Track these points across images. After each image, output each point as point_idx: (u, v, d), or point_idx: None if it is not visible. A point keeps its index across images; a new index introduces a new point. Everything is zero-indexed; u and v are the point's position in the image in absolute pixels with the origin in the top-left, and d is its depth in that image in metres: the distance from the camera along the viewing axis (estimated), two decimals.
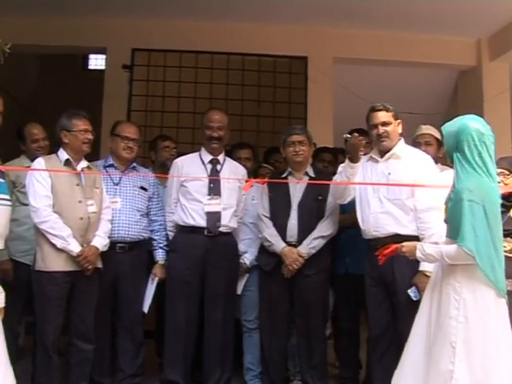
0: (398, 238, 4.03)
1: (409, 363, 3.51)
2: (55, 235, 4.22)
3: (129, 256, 4.74)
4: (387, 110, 4.39)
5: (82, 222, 4.33)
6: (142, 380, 4.90)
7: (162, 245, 4.97)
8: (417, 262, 3.97)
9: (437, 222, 3.87)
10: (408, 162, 4.32)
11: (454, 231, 3.33)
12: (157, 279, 4.88)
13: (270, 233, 4.80)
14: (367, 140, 4.76)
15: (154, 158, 5.59)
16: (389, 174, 4.35)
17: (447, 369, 3.24)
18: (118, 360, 4.82)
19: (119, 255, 4.68)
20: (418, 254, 3.53)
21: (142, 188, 4.92)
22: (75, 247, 4.25)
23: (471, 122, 3.43)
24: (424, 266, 4.03)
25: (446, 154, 3.57)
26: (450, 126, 3.51)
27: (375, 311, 4.42)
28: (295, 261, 4.66)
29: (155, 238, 4.97)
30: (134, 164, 4.99)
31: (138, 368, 4.82)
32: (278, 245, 4.73)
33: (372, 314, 4.45)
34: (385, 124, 4.38)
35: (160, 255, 4.96)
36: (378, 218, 4.33)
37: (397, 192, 4.28)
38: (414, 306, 3.98)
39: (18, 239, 4.60)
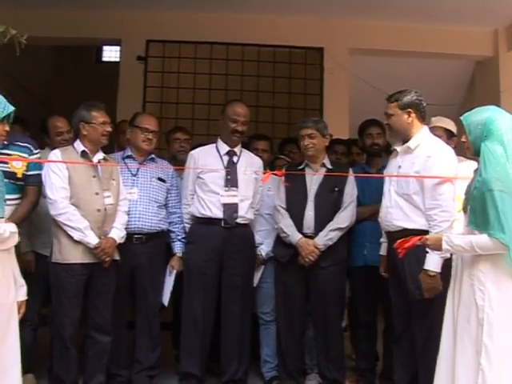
0: (406, 233, 3.95)
1: (442, 360, 3.47)
2: (73, 227, 4.22)
3: (146, 247, 4.72)
4: (392, 101, 4.26)
5: (99, 214, 4.32)
6: (159, 372, 4.90)
7: (180, 237, 4.95)
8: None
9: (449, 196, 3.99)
10: (417, 155, 4.18)
11: (481, 221, 3.28)
12: (175, 271, 4.86)
13: (286, 223, 4.78)
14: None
15: (168, 150, 5.57)
16: (399, 167, 4.26)
17: (475, 361, 3.22)
18: (135, 352, 4.82)
19: (136, 247, 4.66)
20: (445, 246, 3.41)
21: (160, 179, 4.90)
22: (92, 239, 4.24)
23: (501, 113, 3.42)
24: (428, 265, 3.93)
25: (470, 143, 3.49)
26: (476, 116, 3.47)
27: (399, 310, 4.34)
28: (311, 252, 4.64)
29: (174, 230, 4.95)
30: (153, 155, 4.97)
31: (155, 360, 4.82)
32: (294, 236, 4.71)
33: (393, 305, 4.39)
34: (387, 115, 4.30)
35: (178, 247, 4.94)
36: (388, 212, 4.27)
37: (404, 186, 4.19)
38: (424, 303, 3.98)
39: (38, 231, 4.59)
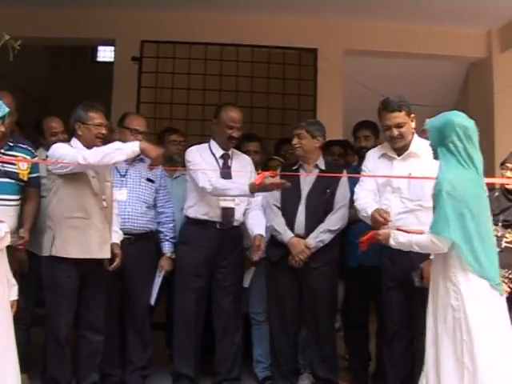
0: None
1: (428, 360, 3.54)
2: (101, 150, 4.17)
3: (135, 248, 4.72)
4: (400, 110, 4.25)
5: (98, 215, 4.31)
6: (152, 372, 4.92)
7: (168, 237, 4.97)
8: None
9: None
10: (428, 160, 4.05)
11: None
12: (164, 271, 4.89)
13: (279, 222, 4.78)
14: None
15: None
16: (409, 174, 4.25)
17: (457, 360, 3.32)
18: (127, 352, 4.83)
19: (126, 247, 4.61)
20: (391, 242, 3.71)
21: (149, 180, 4.92)
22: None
23: (455, 117, 3.54)
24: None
25: (431, 147, 3.64)
26: (435, 121, 3.61)
27: (394, 312, 4.38)
28: (302, 252, 4.64)
29: (162, 230, 4.97)
30: (141, 156, 4.98)
31: (147, 360, 4.84)
32: (286, 235, 4.72)
33: (390, 314, 4.42)
34: (399, 126, 4.26)
35: (167, 247, 4.96)
36: (400, 217, 4.24)
37: (418, 194, 4.18)
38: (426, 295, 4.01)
39: (32, 231, 4.58)
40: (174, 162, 5.27)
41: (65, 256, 4.22)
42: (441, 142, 3.51)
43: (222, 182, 4.67)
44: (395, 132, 4.28)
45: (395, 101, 4.28)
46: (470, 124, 3.51)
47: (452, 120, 3.50)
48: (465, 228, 3.33)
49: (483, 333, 3.28)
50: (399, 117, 4.25)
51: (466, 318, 3.30)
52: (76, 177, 4.26)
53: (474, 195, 3.40)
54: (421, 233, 3.66)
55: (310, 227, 4.71)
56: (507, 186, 4.41)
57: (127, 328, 4.85)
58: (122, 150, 4.13)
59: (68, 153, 4.17)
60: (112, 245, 4.38)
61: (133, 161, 4.86)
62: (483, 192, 3.50)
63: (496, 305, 3.38)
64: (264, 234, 4.81)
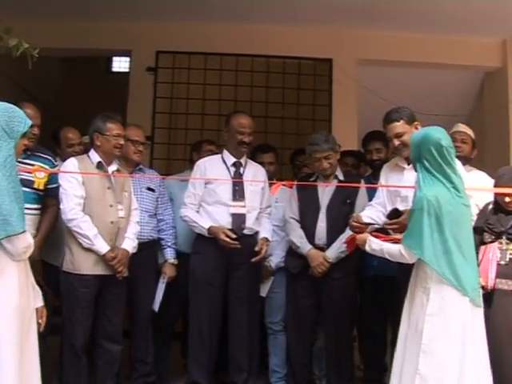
0: None
1: (395, 367, 3.70)
2: (81, 234, 4.25)
3: (139, 256, 4.70)
4: (398, 120, 4.26)
5: (113, 227, 4.36)
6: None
7: (170, 243, 5.01)
8: None
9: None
10: None
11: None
12: (167, 277, 4.91)
13: (297, 235, 4.79)
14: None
15: (196, 158, 5.50)
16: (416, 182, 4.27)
17: (415, 366, 3.45)
18: (131, 359, 4.87)
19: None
20: (367, 248, 3.88)
21: (149, 189, 4.97)
22: (102, 247, 4.27)
23: (432, 135, 3.60)
24: None
25: (411, 161, 3.78)
26: (416, 137, 3.71)
27: None
28: (320, 264, 4.65)
29: (163, 237, 5.01)
30: (141, 166, 5.03)
31: (151, 367, 4.85)
32: (305, 247, 4.73)
33: None
34: (398, 135, 4.27)
35: (169, 254, 4.99)
36: None
37: None
38: None
39: (48, 241, 4.61)
40: None
41: (75, 272, 4.27)
42: (418, 158, 3.61)
43: (194, 217, 4.82)
44: (395, 142, 4.31)
45: (392, 111, 4.32)
46: (446, 141, 3.58)
47: (428, 137, 3.58)
48: (443, 243, 3.46)
49: (447, 345, 3.42)
50: (397, 127, 4.26)
51: (433, 328, 3.44)
52: (88, 189, 4.33)
53: (449, 212, 3.48)
54: (398, 239, 3.73)
55: (332, 237, 4.72)
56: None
57: (132, 335, 4.91)
58: (94, 246, 4.27)
59: (65, 193, 4.31)
60: (119, 250, 4.38)
61: (132, 171, 4.91)
62: (461, 208, 3.56)
63: (468, 317, 3.46)
64: (270, 238, 4.88)
